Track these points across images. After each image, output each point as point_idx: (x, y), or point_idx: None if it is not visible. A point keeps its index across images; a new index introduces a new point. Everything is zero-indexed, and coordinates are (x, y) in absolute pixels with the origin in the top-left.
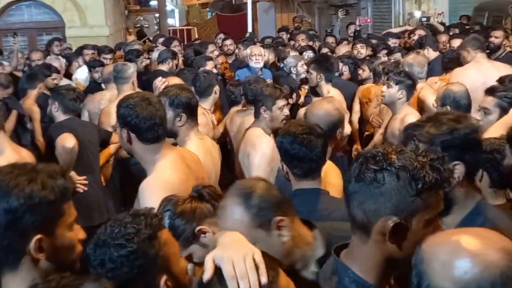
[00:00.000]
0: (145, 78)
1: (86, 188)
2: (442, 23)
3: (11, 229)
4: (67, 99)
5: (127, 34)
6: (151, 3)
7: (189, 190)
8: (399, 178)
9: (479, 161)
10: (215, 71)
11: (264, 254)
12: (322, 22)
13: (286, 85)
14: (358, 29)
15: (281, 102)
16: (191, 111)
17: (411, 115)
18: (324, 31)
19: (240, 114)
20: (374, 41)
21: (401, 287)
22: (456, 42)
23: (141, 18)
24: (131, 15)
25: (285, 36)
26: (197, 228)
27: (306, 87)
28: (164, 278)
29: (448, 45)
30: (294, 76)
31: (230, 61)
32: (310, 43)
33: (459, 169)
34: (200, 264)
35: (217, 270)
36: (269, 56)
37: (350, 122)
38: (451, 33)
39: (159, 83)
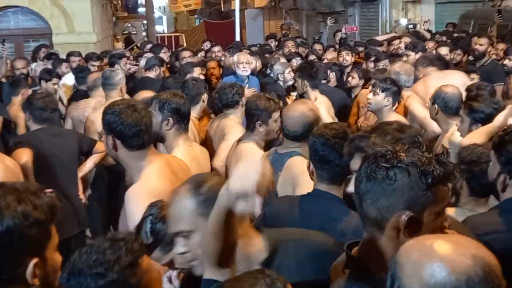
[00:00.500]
0: (132, 85)
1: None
2: (429, 31)
3: (5, 254)
4: (35, 109)
5: (115, 41)
6: (139, 10)
7: None
8: (410, 174)
9: None
10: (202, 77)
11: None
12: (309, 29)
13: (273, 92)
14: (344, 36)
15: (276, 115)
16: (179, 117)
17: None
18: (311, 38)
19: (217, 117)
20: (361, 48)
21: None
22: (443, 50)
23: (129, 25)
24: (119, 22)
25: (273, 43)
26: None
27: (294, 94)
28: None
29: (434, 51)
30: (281, 83)
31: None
32: (299, 49)
33: None
34: (182, 270)
35: None
36: (256, 63)
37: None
38: (438, 40)
39: None
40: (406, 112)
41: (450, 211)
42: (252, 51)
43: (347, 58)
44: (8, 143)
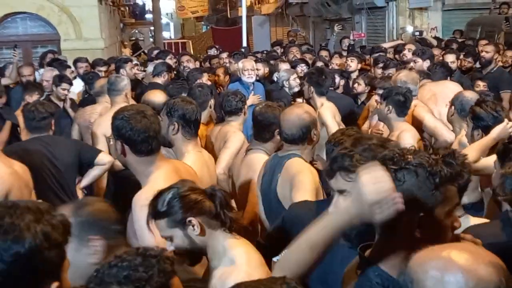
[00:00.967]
0: (140, 91)
1: None
2: (437, 38)
3: (26, 278)
4: (28, 119)
5: (122, 47)
6: (147, 16)
7: None
8: (418, 174)
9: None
10: (209, 83)
11: None
12: (316, 36)
13: (279, 99)
14: (352, 43)
15: None
16: (186, 123)
17: (407, 132)
18: (318, 45)
19: (219, 124)
20: (367, 55)
21: None
22: (449, 57)
23: (136, 31)
24: (126, 28)
25: (279, 50)
26: (189, 219)
27: (300, 100)
28: None
29: (441, 59)
30: (287, 90)
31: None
32: (305, 56)
33: None
34: (176, 251)
35: None
36: (264, 70)
37: None
38: (444, 47)
39: None
40: (414, 121)
41: None
42: (257, 57)
43: (351, 64)
44: None
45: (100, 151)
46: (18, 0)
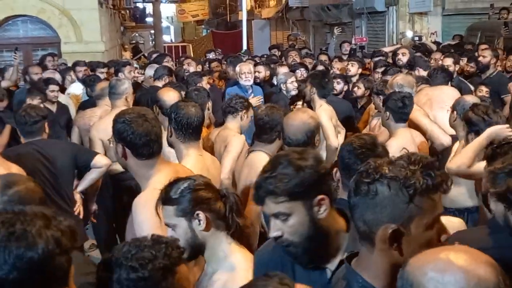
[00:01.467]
0: (140, 94)
1: None
2: (437, 42)
3: (37, 285)
4: (20, 124)
5: (123, 50)
6: (147, 20)
7: None
8: (390, 187)
9: (331, 189)
10: (208, 87)
11: None
12: (316, 40)
13: (276, 102)
14: (354, 47)
15: None
16: (180, 127)
17: (393, 140)
18: (318, 49)
19: (217, 128)
20: (367, 60)
21: None
22: (447, 61)
23: (137, 34)
24: (127, 31)
25: (277, 53)
26: (198, 212)
27: (299, 103)
28: None
29: (440, 62)
30: (284, 93)
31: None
32: (305, 60)
33: (326, 204)
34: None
35: None
36: (265, 72)
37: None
38: (444, 51)
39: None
40: (410, 125)
41: None
42: (256, 61)
43: (352, 69)
44: None
45: (96, 153)
46: (19, 3)
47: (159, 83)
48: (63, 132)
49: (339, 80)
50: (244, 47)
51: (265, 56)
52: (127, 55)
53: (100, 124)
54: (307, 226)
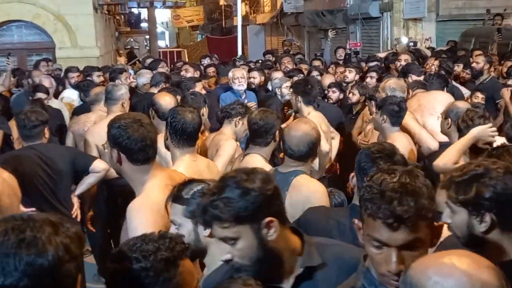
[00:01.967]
0: (135, 100)
1: None
2: (431, 48)
3: None
4: (20, 127)
5: (117, 56)
6: (142, 25)
7: None
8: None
9: (281, 210)
10: (203, 92)
11: None
12: (311, 45)
13: (269, 106)
14: (348, 52)
15: None
16: (175, 132)
17: (399, 142)
18: (313, 54)
19: (212, 133)
20: (363, 64)
21: None
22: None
23: (132, 39)
24: (122, 36)
25: (271, 59)
26: None
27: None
28: None
29: (433, 68)
30: (279, 97)
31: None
32: (301, 66)
33: (275, 226)
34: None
35: None
36: (260, 78)
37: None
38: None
39: None
40: (403, 130)
41: None
42: (250, 67)
43: (349, 75)
44: None
45: (95, 158)
46: (14, 8)
47: (156, 90)
48: (54, 138)
49: (334, 89)
50: (239, 52)
51: (260, 61)
52: (122, 60)
53: (95, 129)
54: (256, 249)
